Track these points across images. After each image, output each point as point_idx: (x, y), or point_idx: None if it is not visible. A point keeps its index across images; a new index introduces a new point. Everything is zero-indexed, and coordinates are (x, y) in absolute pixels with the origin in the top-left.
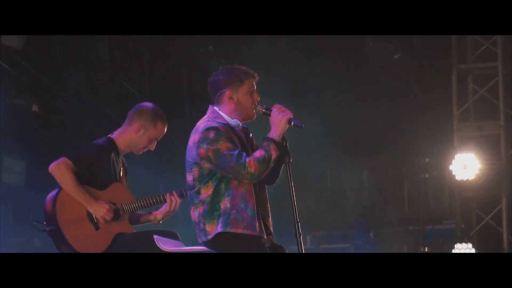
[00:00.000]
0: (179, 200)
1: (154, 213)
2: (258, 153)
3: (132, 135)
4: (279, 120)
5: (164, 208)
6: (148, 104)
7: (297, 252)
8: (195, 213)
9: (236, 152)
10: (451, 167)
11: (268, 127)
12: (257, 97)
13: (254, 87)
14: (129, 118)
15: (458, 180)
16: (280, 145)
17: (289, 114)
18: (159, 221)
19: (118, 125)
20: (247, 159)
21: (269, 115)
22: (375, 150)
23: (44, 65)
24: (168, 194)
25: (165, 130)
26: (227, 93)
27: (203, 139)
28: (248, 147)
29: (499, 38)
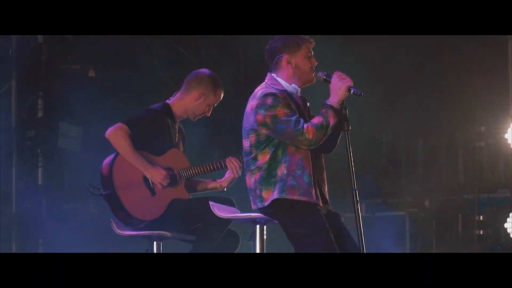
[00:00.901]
0: (240, 165)
1: (219, 180)
2: (316, 120)
3: (191, 102)
4: (339, 87)
5: (229, 175)
6: (206, 71)
7: (354, 219)
8: (251, 179)
9: (294, 118)
10: (506, 136)
11: (327, 95)
12: (314, 62)
13: (311, 52)
14: (187, 85)
15: None
16: (338, 112)
17: (349, 82)
18: (224, 188)
19: (174, 90)
20: (305, 125)
21: (329, 82)
22: (429, 118)
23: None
24: (228, 160)
25: (222, 95)
26: (285, 57)
27: (260, 105)
28: (305, 114)
29: None
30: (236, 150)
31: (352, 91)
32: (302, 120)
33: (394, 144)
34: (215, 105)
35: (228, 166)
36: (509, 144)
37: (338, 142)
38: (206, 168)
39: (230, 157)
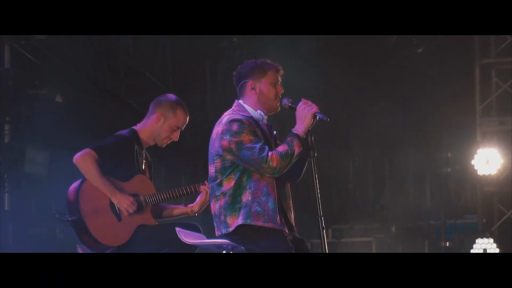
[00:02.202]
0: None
1: (190, 205)
2: (281, 148)
3: (153, 124)
4: (304, 115)
5: (200, 199)
6: (167, 94)
7: (320, 245)
8: (215, 205)
9: (258, 145)
10: (473, 162)
11: (294, 122)
12: (280, 89)
13: (277, 78)
14: (150, 109)
15: (480, 175)
16: (303, 140)
17: (315, 108)
18: (195, 213)
19: (141, 116)
20: (270, 153)
21: (294, 109)
22: (397, 144)
23: (67, 55)
24: (199, 185)
25: (187, 119)
26: (249, 82)
27: (226, 131)
28: (271, 142)
29: None
30: (204, 176)
31: (318, 117)
32: (267, 148)
33: (361, 170)
34: (181, 128)
35: (201, 190)
36: (476, 170)
37: (303, 170)
38: (172, 194)
39: (204, 183)
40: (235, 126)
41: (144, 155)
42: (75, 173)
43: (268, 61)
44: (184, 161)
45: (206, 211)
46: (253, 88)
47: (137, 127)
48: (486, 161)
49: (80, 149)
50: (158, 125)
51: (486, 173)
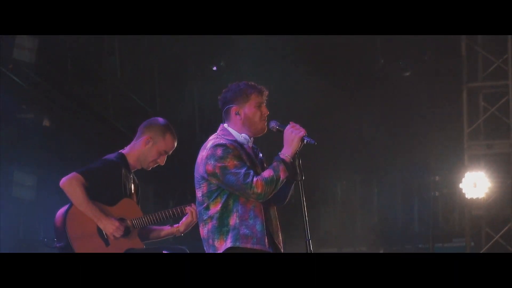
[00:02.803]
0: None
1: (176, 225)
2: (267, 173)
3: (141, 147)
4: (292, 138)
5: (186, 219)
6: (156, 118)
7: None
8: (204, 229)
9: (243, 170)
10: (461, 185)
11: (281, 144)
12: (266, 111)
13: (262, 100)
14: (139, 132)
15: (468, 198)
16: (290, 165)
17: (302, 132)
18: (181, 233)
19: (129, 140)
20: (255, 179)
21: (282, 132)
22: (385, 168)
23: (55, 79)
24: (187, 207)
25: (175, 144)
26: (233, 108)
27: (210, 156)
28: (257, 165)
29: (510, 56)
30: (191, 200)
31: (305, 141)
32: (251, 173)
33: (349, 192)
34: (168, 153)
35: (187, 211)
36: (464, 194)
37: (290, 194)
38: (158, 216)
39: (190, 205)
40: (219, 151)
41: (131, 178)
42: (64, 196)
43: (252, 83)
44: (172, 185)
45: (196, 234)
46: (238, 114)
47: (125, 150)
48: (474, 184)
49: (67, 173)
50: (146, 148)
51: (474, 197)
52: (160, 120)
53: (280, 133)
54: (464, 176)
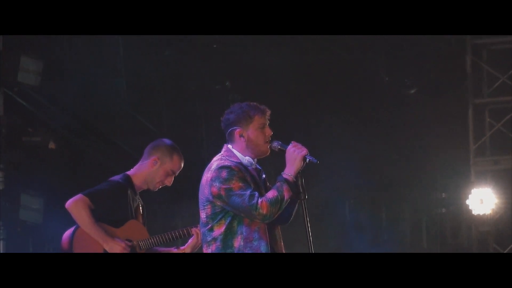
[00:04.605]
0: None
1: (182, 247)
2: (271, 194)
3: (148, 168)
4: (294, 158)
5: (192, 241)
6: (163, 139)
7: None
8: (207, 251)
9: (248, 192)
10: (467, 202)
11: (284, 163)
12: (269, 132)
13: (265, 121)
14: (146, 153)
15: (475, 214)
16: (293, 185)
17: (304, 151)
18: None
19: (135, 161)
20: (259, 200)
21: (284, 152)
22: (392, 186)
23: (60, 101)
24: (193, 229)
25: (182, 164)
26: (237, 131)
27: (215, 178)
28: (261, 187)
29: None
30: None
31: (308, 160)
32: (256, 194)
33: (358, 211)
34: (176, 173)
35: (193, 232)
36: (471, 210)
37: (294, 213)
38: (164, 238)
39: (196, 226)
40: (224, 173)
41: (137, 200)
42: (70, 219)
43: (254, 104)
44: (180, 205)
45: None
46: (242, 136)
47: (131, 172)
48: (481, 201)
49: (74, 195)
50: (153, 169)
51: (481, 213)
52: (166, 141)
53: (282, 153)
54: (470, 193)
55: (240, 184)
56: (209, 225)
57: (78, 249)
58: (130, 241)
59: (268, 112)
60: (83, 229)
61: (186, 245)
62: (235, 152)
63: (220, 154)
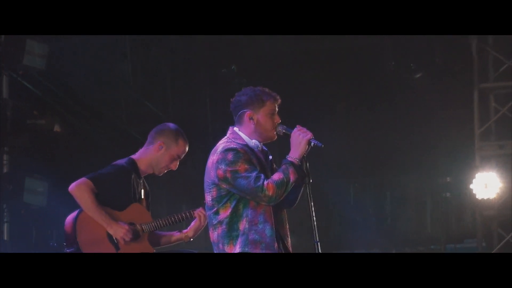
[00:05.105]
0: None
1: (184, 231)
2: (277, 176)
3: (153, 153)
4: (299, 142)
5: (194, 224)
6: (167, 123)
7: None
8: (213, 234)
9: (254, 174)
10: (472, 186)
11: (289, 147)
12: (278, 120)
13: (275, 109)
14: (150, 138)
15: (479, 199)
16: (298, 168)
17: (309, 135)
18: (190, 238)
19: (140, 145)
20: (265, 182)
21: (289, 136)
22: (397, 170)
23: (66, 85)
24: (196, 211)
25: (187, 148)
26: (248, 113)
27: (221, 160)
28: (267, 169)
29: None
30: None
31: (312, 143)
32: (262, 176)
33: (362, 195)
34: (181, 157)
35: (195, 215)
36: (475, 195)
37: (299, 196)
38: (168, 220)
39: (198, 209)
40: (230, 155)
41: (141, 184)
42: (74, 202)
43: (267, 90)
44: (185, 189)
45: (208, 241)
46: (251, 119)
47: (136, 156)
48: (485, 185)
49: (77, 179)
50: (159, 154)
51: (485, 197)
52: (171, 125)
53: (286, 137)
54: (475, 177)
55: (246, 166)
56: (215, 208)
57: (81, 232)
58: (133, 224)
59: (279, 101)
60: (86, 212)
61: (188, 228)
62: (241, 135)
63: (226, 136)
